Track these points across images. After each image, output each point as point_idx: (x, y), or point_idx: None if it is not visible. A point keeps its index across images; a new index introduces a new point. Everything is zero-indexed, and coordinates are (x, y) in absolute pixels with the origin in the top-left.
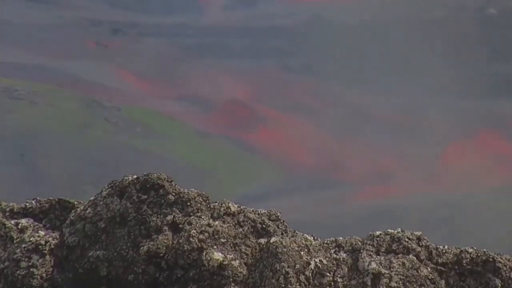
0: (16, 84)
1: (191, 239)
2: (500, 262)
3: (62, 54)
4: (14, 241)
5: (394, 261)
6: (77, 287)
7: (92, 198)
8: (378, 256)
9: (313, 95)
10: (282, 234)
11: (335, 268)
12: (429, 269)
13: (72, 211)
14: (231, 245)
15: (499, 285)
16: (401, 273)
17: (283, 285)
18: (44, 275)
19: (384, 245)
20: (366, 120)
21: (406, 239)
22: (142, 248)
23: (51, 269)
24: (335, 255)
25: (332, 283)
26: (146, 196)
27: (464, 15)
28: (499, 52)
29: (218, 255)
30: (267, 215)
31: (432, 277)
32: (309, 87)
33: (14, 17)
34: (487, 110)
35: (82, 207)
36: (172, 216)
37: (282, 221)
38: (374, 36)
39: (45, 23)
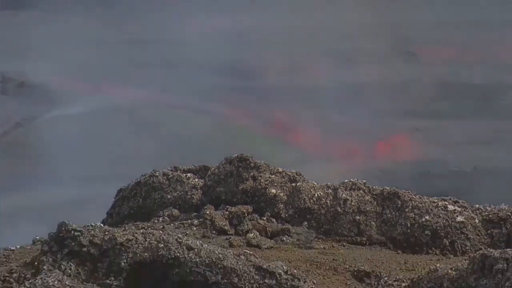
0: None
1: (261, 183)
2: (401, 193)
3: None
4: (184, 183)
5: (353, 194)
6: (214, 203)
7: (216, 165)
8: (346, 191)
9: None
10: (302, 181)
11: (326, 196)
12: (369, 197)
13: (209, 170)
14: (280, 186)
15: (399, 203)
16: (356, 199)
17: (302, 204)
18: (198, 197)
19: (348, 186)
20: (337, 126)
21: (359, 183)
22: (239, 187)
23: (201, 195)
24: (326, 191)
25: (325, 203)
26: (241, 164)
27: None
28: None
29: (273, 191)
30: (295, 173)
31: (371, 201)
32: (313, 114)
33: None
34: (403, 123)
35: (213, 168)
36: (253, 173)
37: (302, 175)
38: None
39: None
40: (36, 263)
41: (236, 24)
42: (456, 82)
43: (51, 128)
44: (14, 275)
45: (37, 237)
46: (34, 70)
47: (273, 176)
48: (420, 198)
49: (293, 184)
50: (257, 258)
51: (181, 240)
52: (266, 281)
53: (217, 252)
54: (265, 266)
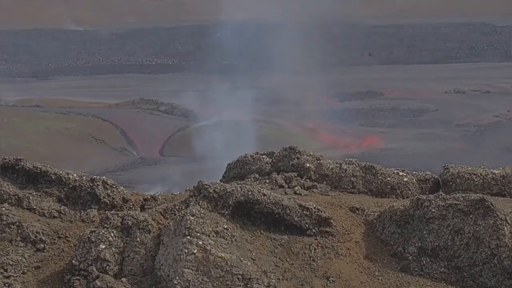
0: None
1: (301, 160)
2: (375, 166)
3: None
4: (261, 161)
5: (350, 166)
6: (277, 171)
7: (278, 151)
8: (346, 165)
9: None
10: (322, 159)
11: (335, 167)
12: (358, 168)
13: (274, 154)
14: (311, 162)
15: (374, 171)
16: (351, 169)
17: (323, 172)
18: (268, 168)
19: (347, 162)
20: (339, 114)
21: (353, 160)
22: (290, 163)
23: (270, 167)
24: (335, 164)
25: (335, 171)
26: (291, 150)
27: None
28: None
29: (308, 165)
30: (319, 155)
31: (358, 170)
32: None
33: None
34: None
35: (276, 153)
36: (297, 156)
37: (323, 156)
38: None
39: None
40: (186, 201)
41: None
42: None
43: (195, 132)
44: (176, 207)
45: (188, 187)
46: (184, 102)
47: (307, 157)
48: (384, 168)
49: (318, 161)
50: (299, 200)
51: (259, 190)
52: (304, 212)
53: (278, 197)
54: (303, 204)
